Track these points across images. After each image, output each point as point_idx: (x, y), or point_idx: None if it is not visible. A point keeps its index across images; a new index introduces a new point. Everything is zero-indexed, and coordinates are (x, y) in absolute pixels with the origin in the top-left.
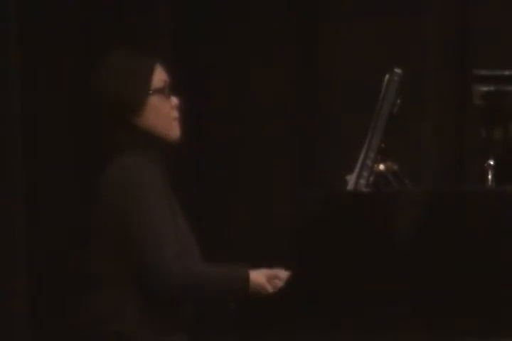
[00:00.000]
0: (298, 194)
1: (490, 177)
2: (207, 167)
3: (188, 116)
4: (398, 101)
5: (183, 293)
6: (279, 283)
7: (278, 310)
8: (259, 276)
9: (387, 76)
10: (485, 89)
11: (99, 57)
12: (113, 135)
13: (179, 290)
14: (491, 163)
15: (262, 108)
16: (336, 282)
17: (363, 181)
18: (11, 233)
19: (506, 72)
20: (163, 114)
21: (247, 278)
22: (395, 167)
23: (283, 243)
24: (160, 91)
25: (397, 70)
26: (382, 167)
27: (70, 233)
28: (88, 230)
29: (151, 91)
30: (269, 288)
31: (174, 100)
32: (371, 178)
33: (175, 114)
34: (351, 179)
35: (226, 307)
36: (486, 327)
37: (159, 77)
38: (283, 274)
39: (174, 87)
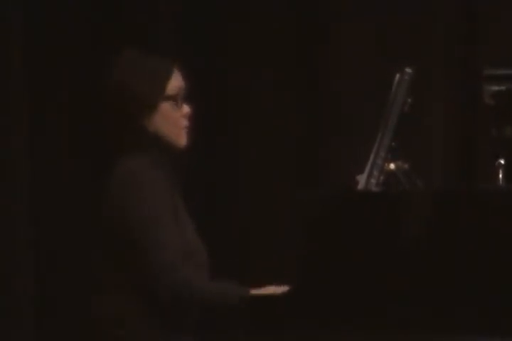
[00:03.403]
0: (302, 194)
1: (500, 176)
2: (207, 167)
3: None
4: (409, 100)
5: (181, 296)
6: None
7: (280, 310)
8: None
9: (397, 75)
10: (496, 88)
11: (99, 56)
12: (120, 135)
13: (178, 293)
14: (502, 162)
15: (262, 108)
16: (339, 283)
17: (373, 180)
18: (11, 233)
19: None
20: (172, 122)
21: (246, 296)
22: (406, 166)
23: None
24: (172, 98)
25: (408, 70)
26: (392, 166)
27: (72, 233)
28: (89, 231)
29: (163, 97)
30: None
31: (186, 108)
32: (381, 177)
33: (184, 122)
34: (362, 178)
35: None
36: (486, 327)
37: (175, 83)
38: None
39: (189, 95)
